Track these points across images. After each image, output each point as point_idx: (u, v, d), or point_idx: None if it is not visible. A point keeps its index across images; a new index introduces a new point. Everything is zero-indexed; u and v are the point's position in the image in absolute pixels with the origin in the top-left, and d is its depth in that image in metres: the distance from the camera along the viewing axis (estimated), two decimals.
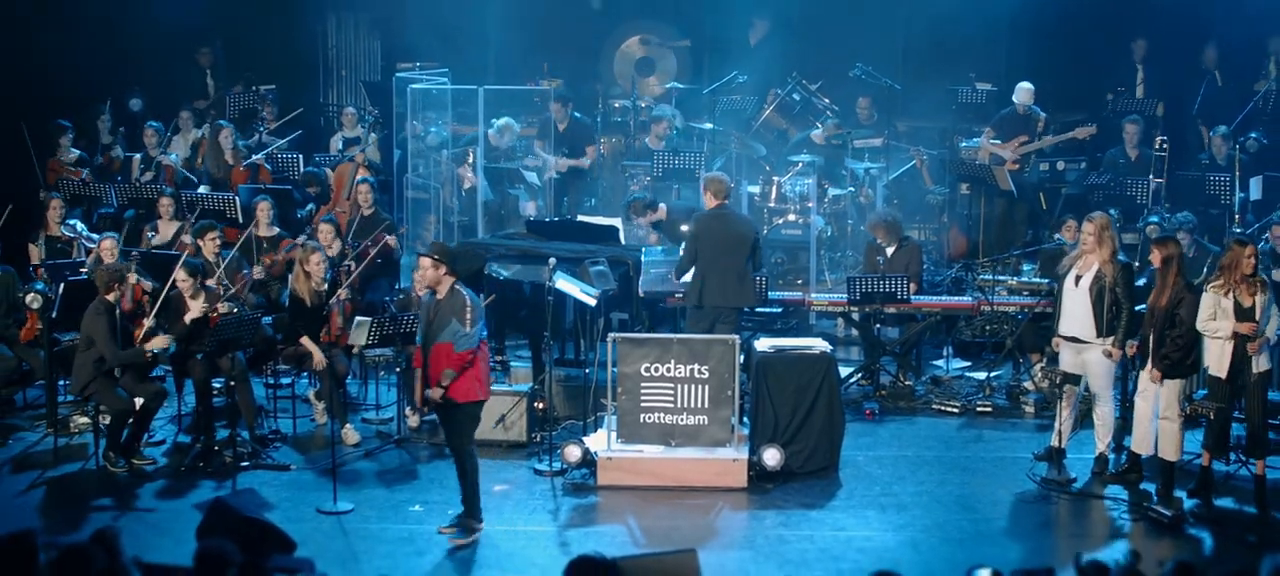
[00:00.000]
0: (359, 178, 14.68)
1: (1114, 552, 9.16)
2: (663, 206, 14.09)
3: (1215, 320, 10.34)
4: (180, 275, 11.54)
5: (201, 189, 15.18)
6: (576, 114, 16.76)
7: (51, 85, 16.38)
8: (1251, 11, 16.96)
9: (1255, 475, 10.60)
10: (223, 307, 11.58)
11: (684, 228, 14.84)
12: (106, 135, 16.56)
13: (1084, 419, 11.39)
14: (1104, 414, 11.07)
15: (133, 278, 11.46)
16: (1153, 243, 11.07)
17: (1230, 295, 10.30)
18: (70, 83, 16.57)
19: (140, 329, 11.22)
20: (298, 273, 12.13)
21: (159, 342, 11.15)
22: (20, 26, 16.47)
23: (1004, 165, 15.53)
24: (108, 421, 11.16)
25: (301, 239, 13.46)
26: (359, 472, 11.22)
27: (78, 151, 15.80)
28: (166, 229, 14.05)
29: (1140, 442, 10.79)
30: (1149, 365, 10.59)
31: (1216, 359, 10.39)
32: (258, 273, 12.99)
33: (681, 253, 12.28)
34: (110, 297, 11.02)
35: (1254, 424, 10.56)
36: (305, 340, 11.89)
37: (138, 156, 16.11)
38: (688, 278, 12.10)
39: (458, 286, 9.85)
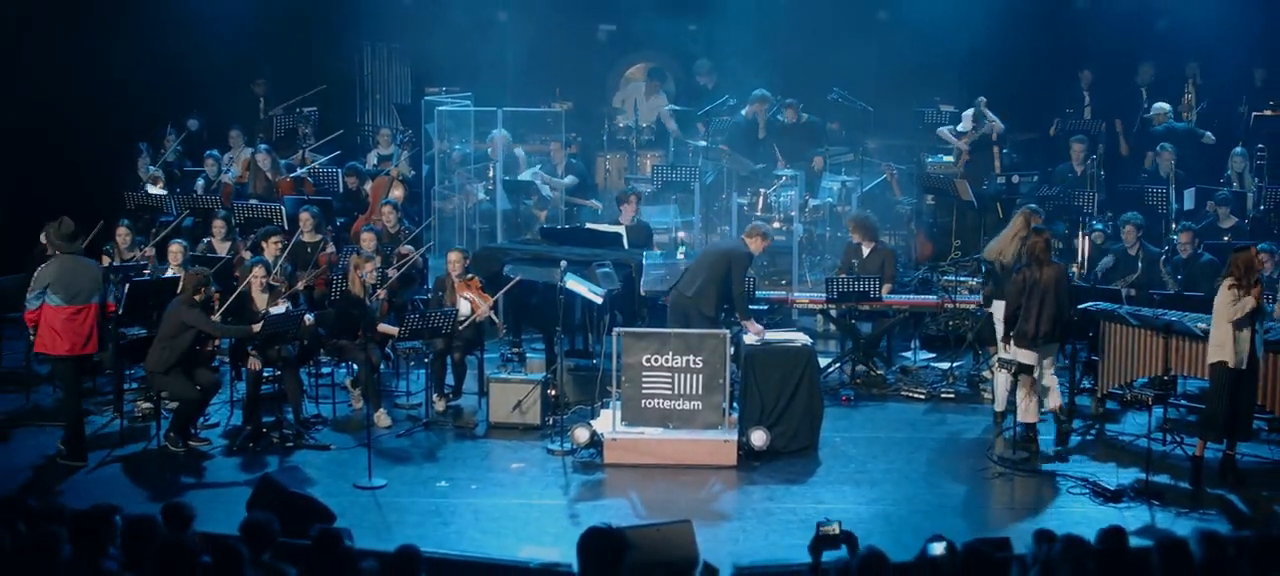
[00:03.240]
0: (383, 199, 14.60)
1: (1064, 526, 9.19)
2: (627, 209, 14.22)
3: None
4: (257, 271, 11.65)
5: (252, 201, 15.19)
6: (573, 159, 16.76)
7: (122, 107, 16.42)
8: (1177, 40, 17.04)
9: (1226, 454, 10.51)
10: (280, 304, 11.66)
11: (681, 235, 15.00)
12: (170, 154, 16.56)
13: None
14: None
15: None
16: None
17: (1250, 293, 10.05)
18: (137, 104, 16.60)
19: None
20: (352, 277, 12.22)
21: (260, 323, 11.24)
22: (97, 53, 16.49)
23: (964, 179, 15.56)
24: (171, 406, 11.22)
25: (328, 250, 13.53)
26: (391, 452, 11.25)
27: (154, 169, 15.77)
28: (221, 247, 13.99)
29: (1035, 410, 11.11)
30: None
31: (1234, 352, 10.14)
32: (301, 284, 13.02)
33: None
34: (198, 298, 11.06)
35: (1241, 411, 10.37)
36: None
37: (201, 176, 16.06)
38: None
39: (52, 265, 10.57)
